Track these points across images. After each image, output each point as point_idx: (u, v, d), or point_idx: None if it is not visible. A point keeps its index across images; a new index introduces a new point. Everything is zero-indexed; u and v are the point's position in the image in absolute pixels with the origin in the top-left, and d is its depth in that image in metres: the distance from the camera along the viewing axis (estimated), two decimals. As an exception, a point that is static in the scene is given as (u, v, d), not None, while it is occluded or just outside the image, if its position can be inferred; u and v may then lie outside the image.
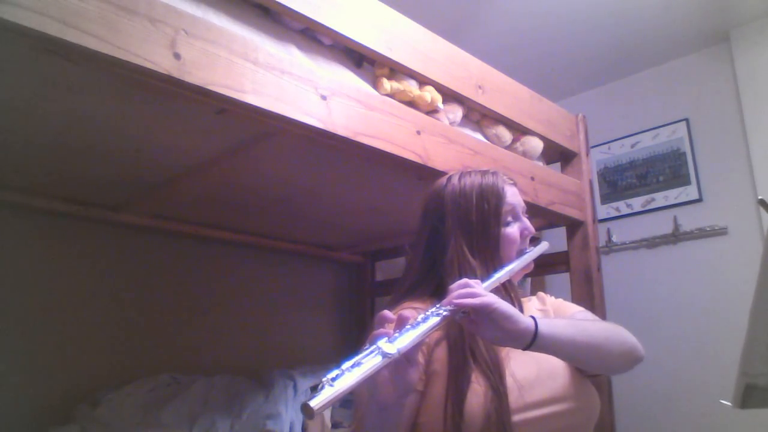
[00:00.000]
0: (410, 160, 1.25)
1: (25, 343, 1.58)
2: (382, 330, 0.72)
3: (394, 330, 0.72)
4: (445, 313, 0.76)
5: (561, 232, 1.93)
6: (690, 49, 2.56)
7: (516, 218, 1.03)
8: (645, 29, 2.41)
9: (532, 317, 0.79)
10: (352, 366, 0.66)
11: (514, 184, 1.07)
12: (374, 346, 0.69)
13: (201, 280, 2.02)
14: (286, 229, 2.10)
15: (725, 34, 2.42)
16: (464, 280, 0.80)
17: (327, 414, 1.76)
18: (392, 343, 0.69)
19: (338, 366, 0.66)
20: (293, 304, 2.29)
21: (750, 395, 0.74)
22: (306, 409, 0.61)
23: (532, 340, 0.77)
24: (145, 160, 1.37)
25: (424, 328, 0.73)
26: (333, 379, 0.64)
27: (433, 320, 0.75)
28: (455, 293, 0.78)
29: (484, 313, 0.76)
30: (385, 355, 0.68)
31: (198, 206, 1.76)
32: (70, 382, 1.62)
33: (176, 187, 1.53)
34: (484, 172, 1.04)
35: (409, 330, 0.72)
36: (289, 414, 1.66)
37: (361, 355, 0.68)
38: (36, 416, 1.53)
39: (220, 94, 0.92)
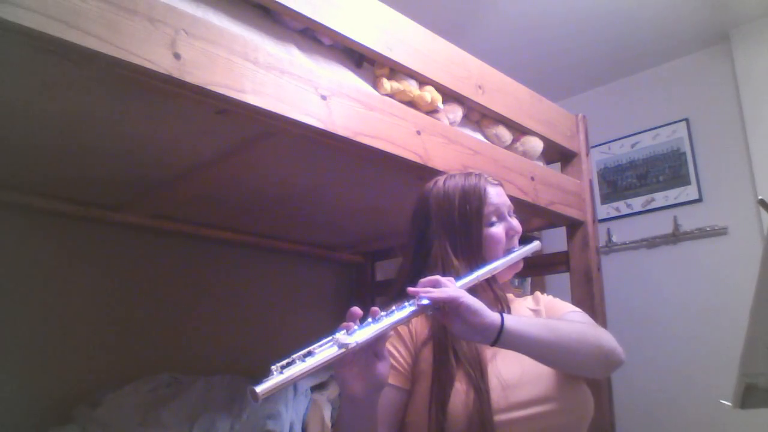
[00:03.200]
0: (410, 160, 1.25)
1: (25, 343, 1.57)
2: (345, 323, 0.73)
3: (357, 324, 0.73)
4: (412, 308, 0.77)
5: (561, 232, 1.93)
6: (690, 49, 2.56)
7: (501, 218, 1.03)
8: (645, 29, 2.41)
9: (500, 312, 0.79)
10: (306, 355, 0.67)
11: (500, 185, 1.08)
12: (330, 337, 0.70)
13: (201, 280, 2.01)
14: (286, 229, 2.10)
15: (725, 34, 2.42)
16: (435, 276, 0.81)
17: (327, 414, 1.75)
18: (350, 335, 0.70)
19: (290, 355, 0.66)
20: (293, 304, 2.29)
21: (750, 395, 0.74)
22: (252, 394, 0.62)
23: (498, 336, 0.77)
24: (145, 160, 1.37)
25: (387, 322, 0.74)
26: (283, 367, 0.65)
27: (398, 314, 0.76)
28: (424, 288, 0.79)
29: (450, 306, 0.77)
30: (341, 345, 0.69)
31: (198, 206, 1.76)
32: (70, 382, 1.62)
33: (176, 187, 1.53)
34: (467, 174, 1.06)
35: (371, 323, 0.73)
36: (289, 414, 1.66)
37: (315, 345, 0.69)
38: (36, 416, 1.53)
39: (220, 94, 0.92)
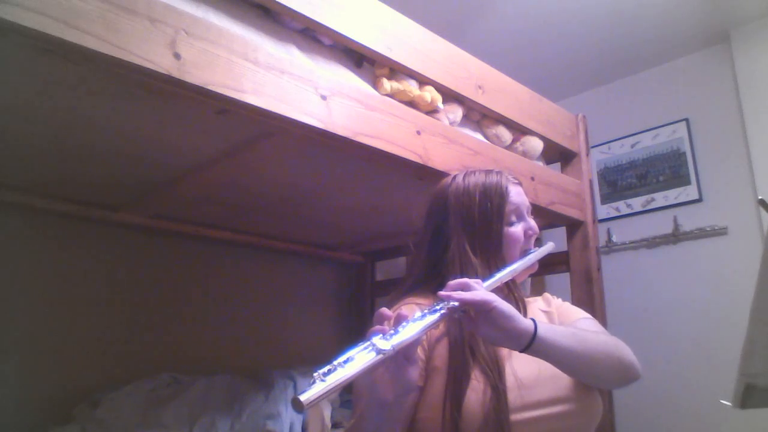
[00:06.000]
0: (410, 160, 1.25)
1: (25, 343, 1.57)
2: (378, 326, 0.71)
3: (391, 327, 0.72)
4: (443, 311, 0.75)
5: (561, 232, 1.93)
6: (690, 49, 2.56)
7: (520, 218, 1.02)
8: (645, 29, 2.41)
9: (533, 320, 0.78)
10: (345, 361, 0.65)
11: (519, 184, 1.07)
12: (368, 342, 0.68)
13: (201, 280, 2.02)
14: (286, 229, 2.10)
15: (725, 34, 2.42)
16: (464, 279, 0.79)
17: (327, 414, 1.75)
18: (387, 340, 0.68)
19: (330, 361, 0.65)
20: (293, 304, 2.29)
21: (750, 395, 0.74)
22: (296, 404, 0.60)
23: (530, 343, 0.76)
24: (145, 160, 1.37)
25: (420, 325, 0.72)
26: (325, 374, 0.63)
27: (431, 317, 0.74)
28: (454, 291, 0.77)
29: (482, 310, 0.76)
30: (379, 351, 0.67)
31: (198, 206, 1.76)
32: (70, 382, 1.62)
33: (176, 187, 1.53)
34: (488, 172, 1.04)
35: (406, 327, 0.71)
36: (289, 414, 1.66)
37: (354, 351, 0.67)
38: (36, 416, 1.53)
39: (220, 94, 0.92)
